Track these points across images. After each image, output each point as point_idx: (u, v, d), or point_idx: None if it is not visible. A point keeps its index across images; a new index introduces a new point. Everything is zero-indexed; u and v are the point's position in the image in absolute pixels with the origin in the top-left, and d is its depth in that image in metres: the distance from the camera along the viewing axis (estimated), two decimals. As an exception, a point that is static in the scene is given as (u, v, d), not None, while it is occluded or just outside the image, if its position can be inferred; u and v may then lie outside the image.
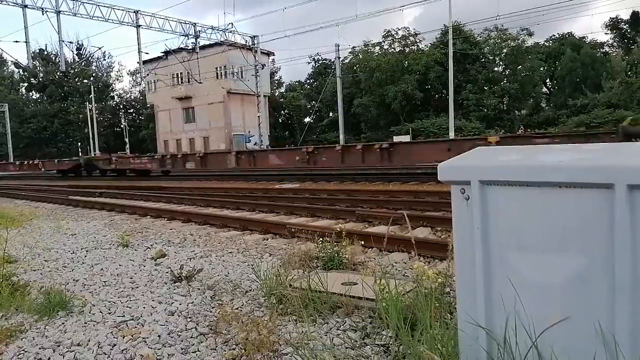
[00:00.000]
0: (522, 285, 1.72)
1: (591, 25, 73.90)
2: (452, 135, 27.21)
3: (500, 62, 45.48)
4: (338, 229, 4.82)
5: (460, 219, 1.84)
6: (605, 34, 47.67)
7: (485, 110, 41.96)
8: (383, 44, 45.60)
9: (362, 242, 5.17)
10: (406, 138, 31.52)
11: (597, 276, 1.58)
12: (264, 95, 42.71)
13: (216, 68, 42.35)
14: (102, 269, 4.87)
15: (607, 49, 47.88)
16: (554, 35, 49.08)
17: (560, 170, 1.60)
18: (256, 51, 37.65)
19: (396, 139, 31.37)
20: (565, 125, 33.19)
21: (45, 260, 5.40)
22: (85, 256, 5.57)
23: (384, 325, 2.79)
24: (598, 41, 47.44)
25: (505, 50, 43.87)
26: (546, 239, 1.67)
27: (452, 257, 2.21)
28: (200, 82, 37.86)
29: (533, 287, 1.71)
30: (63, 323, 3.28)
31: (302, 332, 2.86)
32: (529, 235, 1.70)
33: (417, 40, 45.43)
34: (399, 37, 45.10)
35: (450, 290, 3.00)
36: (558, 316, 1.66)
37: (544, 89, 50.52)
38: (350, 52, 46.77)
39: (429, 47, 44.49)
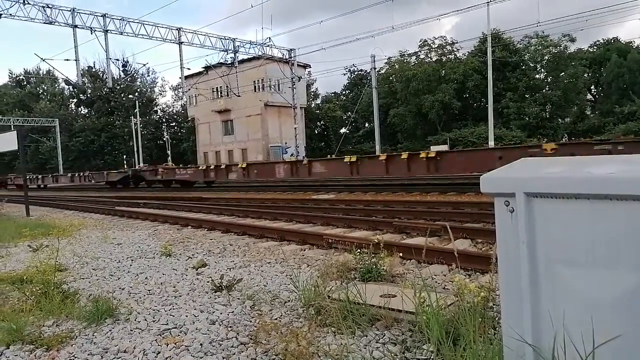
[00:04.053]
0: (571, 301, 1.66)
1: (639, 30, 70.69)
2: (491, 144, 26.59)
3: (542, 69, 44.23)
4: (376, 240, 4.79)
5: (505, 232, 1.80)
6: (655, 37, 45.57)
7: (527, 118, 40.83)
8: (419, 53, 45.31)
9: (401, 254, 5.12)
10: (444, 148, 31.03)
11: (653, 293, 1.50)
12: (301, 107, 43.13)
13: (254, 81, 43.21)
14: (146, 277, 5.03)
15: (656, 53, 45.68)
16: (598, 41, 47.39)
17: (610, 182, 1.54)
18: (293, 64, 38.16)
19: (433, 149, 30.93)
20: (612, 133, 31.81)
21: (93, 269, 5.63)
22: (131, 265, 5.77)
23: (425, 339, 2.75)
24: (647, 46, 45.38)
25: (546, 57, 42.66)
26: (596, 254, 1.61)
27: (495, 270, 2.16)
28: (239, 96, 38.69)
29: (583, 302, 1.65)
30: (110, 330, 3.40)
31: (341, 344, 2.85)
32: (578, 250, 1.64)
33: (455, 49, 44.91)
34: (436, 46, 44.73)
35: (494, 304, 2.92)
36: (610, 333, 1.59)
37: (589, 96, 48.71)
38: (386, 63, 46.73)
39: (466, 56, 43.85)
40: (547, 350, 1.71)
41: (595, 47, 46.87)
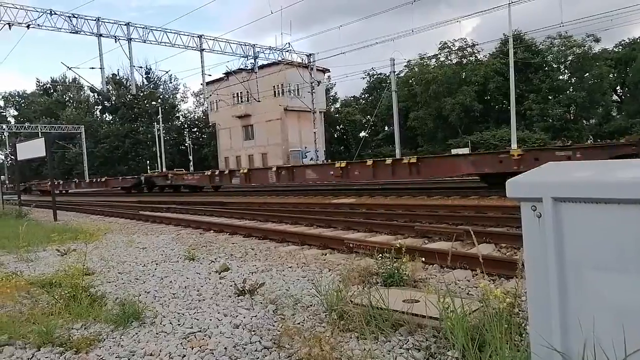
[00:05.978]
0: (601, 307, 1.63)
1: (667, 28, 68.65)
2: (514, 147, 26.16)
3: (565, 70, 43.43)
4: (397, 245, 4.77)
5: (532, 237, 1.78)
6: (684, 36, 44.24)
7: (550, 120, 40.09)
8: (439, 56, 45.00)
9: (423, 259, 5.08)
10: (465, 151, 30.64)
11: (687, 300, 1.46)
12: (320, 112, 43.27)
13: (274, 86, 43.57)
14: (171, 281, 5.11)
15: (685, 52, 44.34)
16: (624, 41, 46.27)
17: (640, 186, 1.51)
18: (312, 69, 38.31)
19: (454, 152, 30.56)
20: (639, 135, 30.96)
21: (119, 273, 5.73)
22: (155, 269, 5.86)
23: (449, 345, 2.72)
24: (675, 44, 44.09)
25: (570, 58, 41.88)
26: (627, 259, 1.58)
27: (521, 276, 2.12)
28: (259, 101, 39.05)
29: (613, 309, 1.62)
30: (137, 333, 3.46)
31: (365, 349, 2.84)
32: (608, 255, 1.61)
33: (475, 51, 44.48)
34: (456, 48, 44.36)
35: (520, 310, 2.87)
36: (643, 342, 1.55)
37: (614, 97, 47.56)
38: (405, 66, 46.55)
39: (488, 58, 43.36)
40: (577, 358, 1.68)
41: (620, 47, 45.80)
